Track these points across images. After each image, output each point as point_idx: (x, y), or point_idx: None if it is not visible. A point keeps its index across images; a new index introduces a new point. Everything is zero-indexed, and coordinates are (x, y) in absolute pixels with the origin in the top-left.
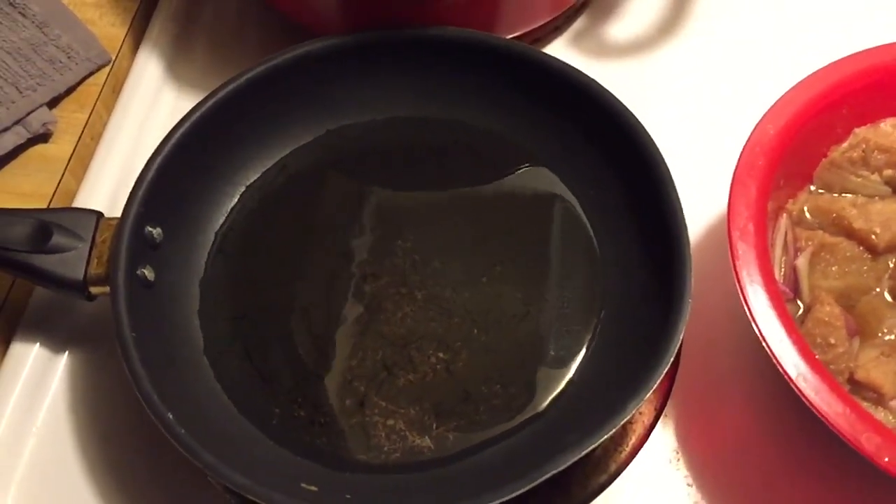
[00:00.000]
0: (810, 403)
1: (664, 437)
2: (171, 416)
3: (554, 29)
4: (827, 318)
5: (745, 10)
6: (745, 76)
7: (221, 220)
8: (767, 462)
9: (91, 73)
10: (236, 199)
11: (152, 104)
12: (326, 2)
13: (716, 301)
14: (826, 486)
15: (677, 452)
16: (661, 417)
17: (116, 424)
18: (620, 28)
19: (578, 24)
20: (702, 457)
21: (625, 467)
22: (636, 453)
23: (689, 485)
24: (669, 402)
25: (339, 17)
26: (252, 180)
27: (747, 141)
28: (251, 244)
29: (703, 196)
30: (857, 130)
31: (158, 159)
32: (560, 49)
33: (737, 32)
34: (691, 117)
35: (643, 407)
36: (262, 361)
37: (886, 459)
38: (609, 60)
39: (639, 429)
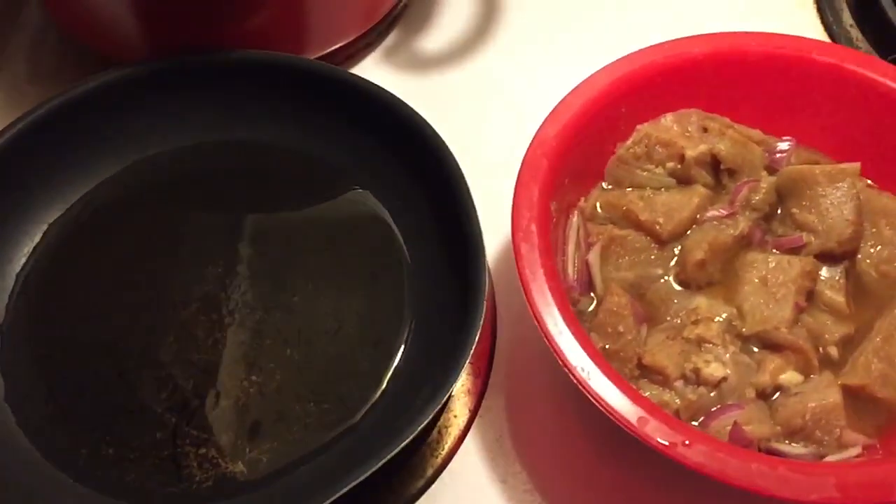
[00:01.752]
0: (589, 393)
1: (481, 436)
2: None
3: (366, 45)
4: (615, 308)
5: (548, 21)
6: (546, 82)
7: (23, 262)
8: (574, 449)
9: None
10: (38, 238)
11: None
12: (123, 29)
13: (521, 303)
14: (628, 469)
15: (493, 451)
16: (477, 418)
17: None
18: (431, 41)
19: (390, 39)
20: (518, 450)
21: (442, 470)
22: (453, 455)
23: (502, 482)
24: (487, 401)
25: (138, 43)
26: (55, 217)
27: (529, 145)
28: (55, 283)
29: (496, 206)
30: (639, 127)
31: None
32: (372, 65)
33: (541, 40)
34: (501, 125)
35: (457, 409)
36: (66, 401)
37: (659, 440)
38: (422, 74)
39: (454, 431)
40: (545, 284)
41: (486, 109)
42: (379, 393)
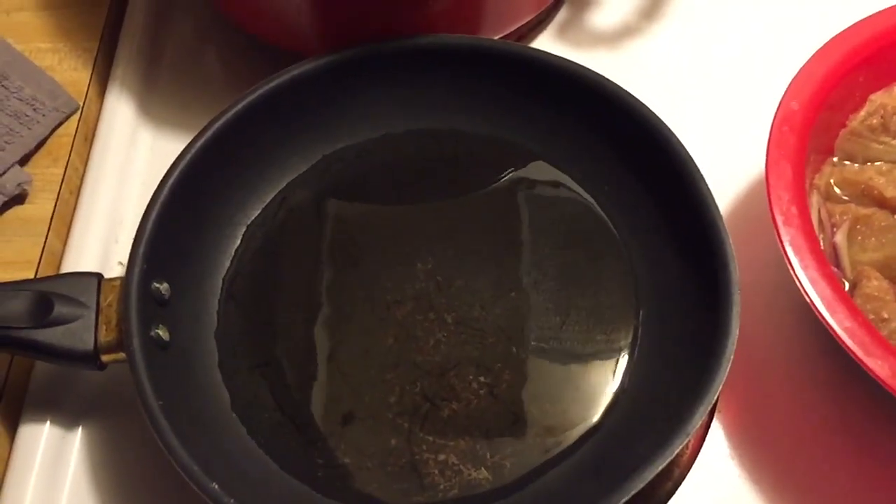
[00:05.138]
0: (893, 390)
1: (718, 434)
2: (216, 486)
3: (537, 24)
4: (876, 293)
5: None
6: (733, 50)
7: (227, 265)
8: (829, 452)
9: (60, 124)
10: (239, 241)
11: (129, 148)
12: (305, 20)
13: (751, 279)
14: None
15: (732, 448)
16: (717, 412)
17: (145, 496)
18: (603, 16)
19: (560, 16)
20: (759, 450)
21: (687, 472)
22: (696, 455)
23: (747, 480)
24: (724, 395)
25: (319, 35)
26: (252, 218)
27: (774, 120)
28: (261, 286)
29: (713, 176)
30: (872, 97)
31: (155, 210)
32: (545, 43)
33: (718, 11)
34: (686, 99)
35: None
36: (294, 410)
37: None
38: (595, 49)
39: (698, 430)
40: (819, 274)
41: (660, 86)
42: (616, 391)
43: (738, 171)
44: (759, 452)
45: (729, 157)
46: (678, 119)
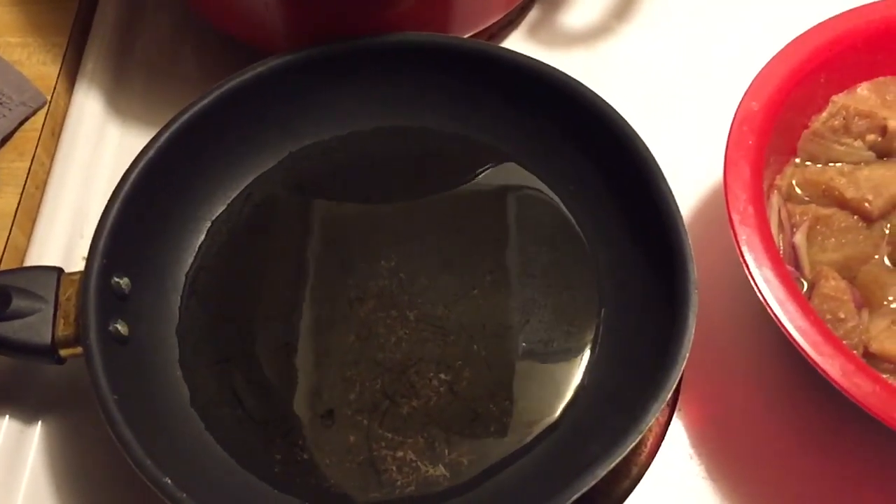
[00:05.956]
0: (850, 394)
1: (678, 433)
2: (168, 481)
3: (508, 23)
4: (833, 293)
5: None
6: (703, 51)
7: (190, 261)
8: (788, 449)
9: (27, 118)
10: (203, 236)
11: (96, 143)
12: (274, 18)
13: (712, 280)
14: (853, 471)
15: (692, 447)
16: (676, 411)
17: (104, 491)
18: (574, 16)
19: (532, 15)
20: (718, 449)
21: (646, 470)
22: (655, 454)
23: (707, 479)
24: (685, 394)
25: (288, 32)
26: (217, 213)
27: (733, 120)
28: (225, 282)
29: (679, 176)
30: (834, 98)
31: (116, 205)
32: (516, 43)
33: (689, 13)
34: (656, 99)
35: None
36: (253, 406)
37: None
38: (566, 49)
39: (655, 428)
40: (774, 274)
41: (631, 85)
42: (575, 388)
43: (703, 172)
44: (719, 451)
45: (695, 158)
46: (645, 120)
